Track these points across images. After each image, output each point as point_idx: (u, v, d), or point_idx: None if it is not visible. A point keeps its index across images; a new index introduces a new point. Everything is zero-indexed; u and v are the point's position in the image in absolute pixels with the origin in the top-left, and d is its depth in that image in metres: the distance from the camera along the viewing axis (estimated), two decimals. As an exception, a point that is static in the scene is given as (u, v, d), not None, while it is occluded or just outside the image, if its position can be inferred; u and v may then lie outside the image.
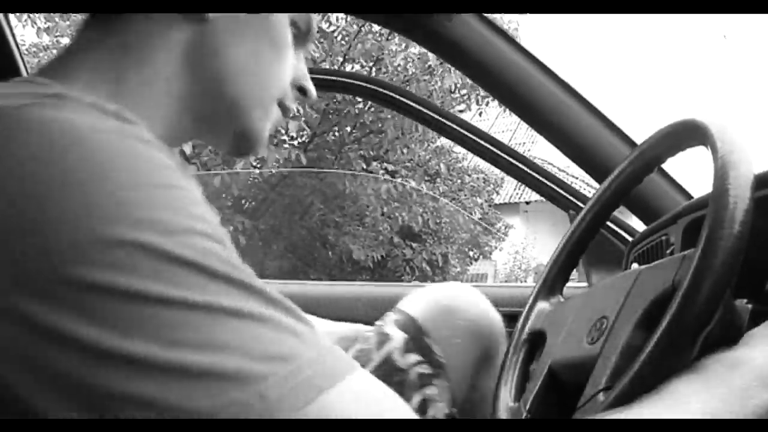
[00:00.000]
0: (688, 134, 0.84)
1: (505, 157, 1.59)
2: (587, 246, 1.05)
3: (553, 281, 1.05)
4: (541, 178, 1.59)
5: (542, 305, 1.03)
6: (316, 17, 0.81)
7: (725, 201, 0.66)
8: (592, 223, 1.03)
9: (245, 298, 0.50)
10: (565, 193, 1.58)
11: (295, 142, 8.75)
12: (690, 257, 0.70)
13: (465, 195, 10.13)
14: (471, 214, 9.75)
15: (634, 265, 1.24)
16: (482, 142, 1.59)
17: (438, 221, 9.09)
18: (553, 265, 1.05)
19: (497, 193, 11.29)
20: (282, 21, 0.75)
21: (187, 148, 7.54)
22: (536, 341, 0.99)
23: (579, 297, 0.95)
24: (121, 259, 0.47)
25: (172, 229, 0.49)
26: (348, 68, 9.00)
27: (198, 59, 0.70)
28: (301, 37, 0.80)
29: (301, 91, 0.82)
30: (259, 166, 7.98)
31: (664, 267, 0.76)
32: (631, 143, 1.39)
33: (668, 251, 1.09)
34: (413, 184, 8.70)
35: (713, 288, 0.64)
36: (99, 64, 0.67)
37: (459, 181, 10.17)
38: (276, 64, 0.76)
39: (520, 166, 1.60)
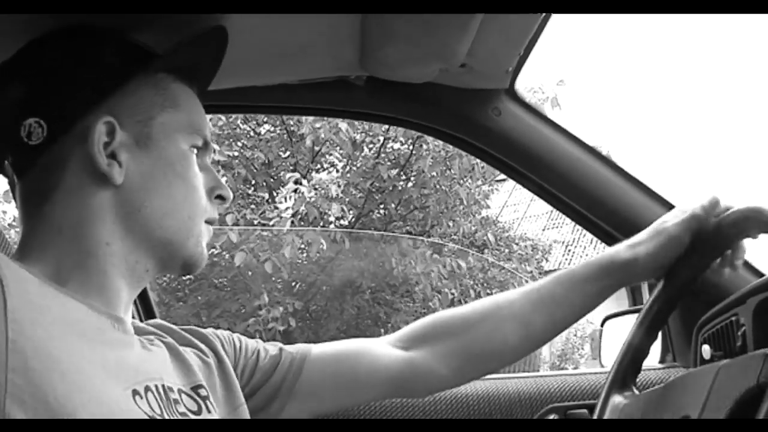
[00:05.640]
0: (756, 221, 0.83)
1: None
2: (657, 335, 1.03)
3: (625, 372, 1.03)
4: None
5: (616, 399, 1.01)
6: (208, 124, 0.90)
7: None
8: (660, 314, 1.01)
9: None
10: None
11: (342, 222, 8.83)
12: (773, 356, 0.68)
13: (514, 264, 10.03)
14: (521, 282, 9.63)
15: (705, 347, 1.21)
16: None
17: (489, 293, 8.98)
18: (624, 356, 1.03)
19: (546, 260, 11.16)
20: (179, 152, 0.84)
21: (234, 236, 7.65)
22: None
23: (655, 392, 0.93)
24: None
25: None
26: (388, 147, 9.10)
27: (126, 218, 0.80)
28: (203, 148, 0.89)
29: (220, 198, 0.90)
30: (306, 250, 8.03)
31: (746, 365, 0.74)
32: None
33: (739, 333, 1.06)
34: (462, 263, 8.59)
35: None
36: (45, 252, 0.78)
37: (507, 250, 10.09)
38: (190, 194, 0.85)
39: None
